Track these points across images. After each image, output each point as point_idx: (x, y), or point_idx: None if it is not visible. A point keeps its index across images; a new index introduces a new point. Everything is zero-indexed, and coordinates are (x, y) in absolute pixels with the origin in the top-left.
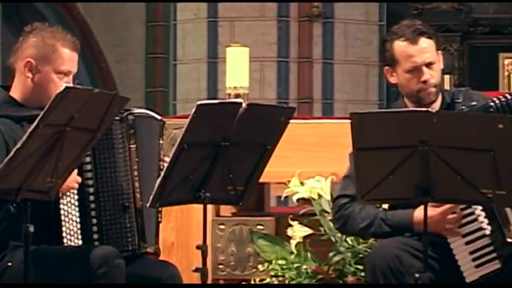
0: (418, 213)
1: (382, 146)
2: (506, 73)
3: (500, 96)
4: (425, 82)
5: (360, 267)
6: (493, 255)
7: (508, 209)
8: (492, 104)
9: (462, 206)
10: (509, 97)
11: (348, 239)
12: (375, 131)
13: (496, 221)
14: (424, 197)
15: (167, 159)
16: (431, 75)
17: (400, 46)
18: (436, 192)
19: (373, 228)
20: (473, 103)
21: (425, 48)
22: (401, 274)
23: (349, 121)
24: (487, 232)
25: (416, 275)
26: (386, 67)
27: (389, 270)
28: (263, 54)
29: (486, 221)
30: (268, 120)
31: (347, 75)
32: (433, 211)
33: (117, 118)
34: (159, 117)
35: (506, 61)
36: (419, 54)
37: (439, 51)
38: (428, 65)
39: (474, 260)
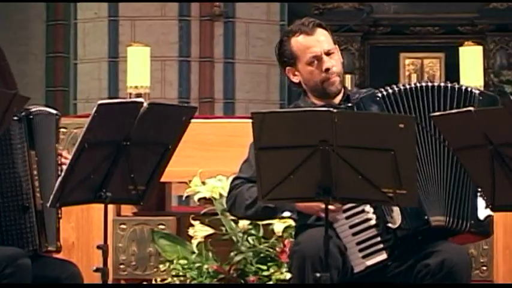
0: None
1: (283, 145)
2: (407, 73)
3: (388, 87)
4: (327, 70)
5: (262, 266)
6: (380, 246)
7: None
8: (379, 94)
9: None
10: (396, 88)
11: (250, 239)
12: (276, 130)
13: (380, 209)
14: (325, 196)
15: (68, 155)
16: (333, 64)
17: (297, 41)
18: (337, 191)
19: (257, 204)
20: (363, 90)
21: (323, 38)
22: (328, 267)
23: (250, 121)
24: (373, 223)
25: (317, 275)
26: (287, 68)
27: (318, 261)
28: (164, 54)
29: (372, 210)
30: (169, 120)
31: (248, 75)
32: None
33: (16, 118)
34: (54, 111)
35: (407, 61)
36: (317, 44)
37: (337, 46)
38: (328, 54)
39: (361, 250)
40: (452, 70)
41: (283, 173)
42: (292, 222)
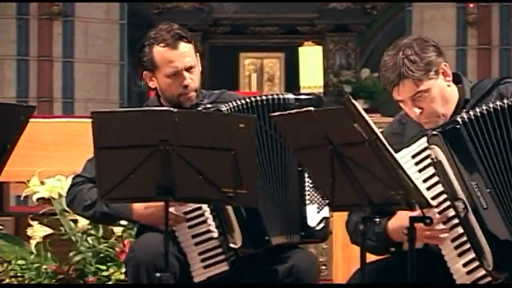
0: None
1: (124, 145)
2: (247, 73)
3: (237, 101)
4: (186, 87)
5: (101, 266)
6: (221, 257)
7: (232, 215)
8: (224, 108)
9: (189, 208)
10: (244, 102)
11: (89, 239)
12: (117, 130)
13: (222, 225)
14: (165, 196)
15: None
16: (192, 80)
17: (160, 51)
18: (177, 191)
19: (95, 208)
20: (216, 92)
21: (186, 53)
22: (167, 268)
23: (90, 120)
24: (215, 235)
25: (157, 275)
26: (145, 72)
27: (153, 268)
28: (2, 53)
29: (214, 224)
30: (7, 119)
31: (88, 74)
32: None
33: None
34: None
35: (247, 61)
36: (179, 59)
37: (198, 54)
38: (189, 69)
39: (203, 260)
40: (292, 70)
41: (123, 173)
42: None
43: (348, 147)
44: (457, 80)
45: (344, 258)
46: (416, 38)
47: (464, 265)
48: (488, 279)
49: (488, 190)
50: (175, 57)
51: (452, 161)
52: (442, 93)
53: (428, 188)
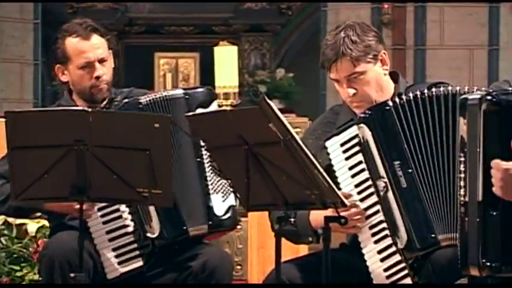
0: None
1: (38, 145)
2: (161, 72)
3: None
4: (98, 78)
5: (15, 267)
6: (136, 253)
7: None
8: (143, 100)
9: (104, 204)
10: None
11: (2, 239)
12: (31, 130)
13: (139, 217)
14: (79, 196)
15: None
16: (104, 72)
17: (72, 43)
18: (92, 191)
19: (8, 202)
20: (125, 90)
21: (98, 45)
22: (81, 268)
23: (3, 120)
24: (130, 229)
25: (72, 275)
26: (58, 65)
27: (67, 265)
28: None
29: (130, 217)
30: None
31: (2, 74)
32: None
33: None
34: None
35: (162, 60)
36: (92, 50)
37: (111, 51)
38: (101, 61)
39: (117, 256)
40: (207, 70)
41: (37, 173)
42: (46, 223)
43: (263, 147)
44: (394, 77)
45: (259, 258)
46: (361, 22)
47: (379, 252)
48: (403, 265)
49: (409, 170)
50: (88, 48)
51: (379, 141)
52: (378, 79)
53: (353, 176)
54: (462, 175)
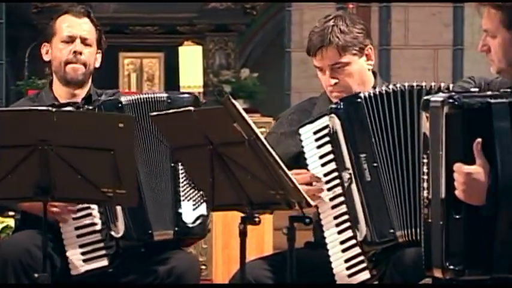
0: None
1: (2, 145)
2: (126, 72)
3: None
4: (75, 53)
5: None
6: (102, 252)
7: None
8: (123, 99)
9: None
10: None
11: None
12: None
13: (107, 216)
14: (43, 196)
15: None
16: (83, 52)
17: (62, 18)
18: (56, 191)
19: None
20: (109, 91)
21: (85, 26)
22: (32, 269)
23: None
24: (98, 228)
25: (36, 275)
26: (44, 43)
27: (20, 266)
28: None
29: (99, 215)
30: None
31: None
32: None
33: None
34: None
35: (127, 60)
36: (77, 26)
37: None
38: (84, 41)
39: (83, 254)
40: (171, 70)
41: (1, 173)
42: (10, 222)
43: (228, 147)
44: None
45: (224, 258)
46: (352, 14)
47: (342, 242)
48: (362, 257)
49: (374, 164)
50: (74, 24)
51: (347, 132)
52: (361, 73)
53: (323, 165)
54: (425, 177)
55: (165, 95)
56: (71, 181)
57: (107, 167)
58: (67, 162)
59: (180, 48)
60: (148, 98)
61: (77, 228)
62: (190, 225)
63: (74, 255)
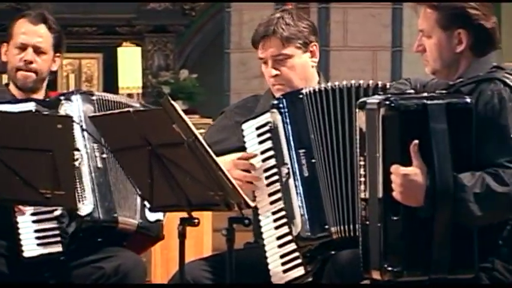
0: None
1: None
2: (64, 73)
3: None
4: (25, 61)
5: None
6: (58, 238)
7: (88, 183)
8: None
9: None
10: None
11: None
12: None
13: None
14: None
15: None
16: (35, 61)
17: (20, 22)
18: None
19: None
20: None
21: (40, 33)
22: None
23: None
24: (58, 213)
25: None
26: (4, 43)
27: None
28: None
29: None
30: None
31: None
32: None
33: None
34: None
35: (65, 61)
36: (31, 34)
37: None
38: (37, 49)
39: (38, 238)
40: (110, 71)
41: None
42: None
43: (167, 148)
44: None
45: (163, 259)
46: (301, 11)
47: (278, 238)
48: (298, 253)
49: (313, 160)
50: (29, 32)
51: (287, 127)
52: (304, 68)
53: (264, 160)
54: (362, 179)
55: (138, 104)
56: (9, 182)
57: (46, 168)
58: (5, 164)
59: (119, 49)
60: (123, 102)
61: (33, 214)
62: (152, 223)
63: (29, 238)
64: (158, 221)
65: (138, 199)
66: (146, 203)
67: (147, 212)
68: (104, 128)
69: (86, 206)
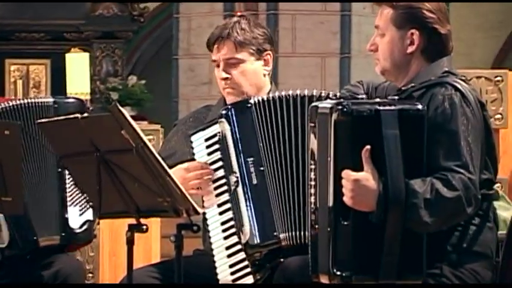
0: None
1: None
2: (12, 79)
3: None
4: None
5: None
6: None
7: (1, 215)
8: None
9: None
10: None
11: None
12: None
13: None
14: None
15: None
16: None
17: None
18: None
19: None
20: None
21: None
22: None
23: None
24: None
25: None
26: None
27: None
28: None
29: None
30: None
31: None
32: None
33: None
34: None
35: (13, 67)
36: None
37: None
38: None
39: None
40: (58, 77)
41: None
42: None
43: (115, 155)
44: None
45: (111, 266)
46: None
47: (227, 248)
48: (247, 262)
49: (261, 168)
50: None
51: (236, 136)
52: (255, 75)
53: (213, 171)
54: (313, 183)
55: (51, 99)
56: None
57: None
58: None
59: (67, 55)
60: (34, 102)
61: None
62: (77, 231)
63: None
64: (87, 221)
65: (58, 212)
66: (72, 212)
67: (71, 220)
68: (51, 134)
69: (2, 238)
